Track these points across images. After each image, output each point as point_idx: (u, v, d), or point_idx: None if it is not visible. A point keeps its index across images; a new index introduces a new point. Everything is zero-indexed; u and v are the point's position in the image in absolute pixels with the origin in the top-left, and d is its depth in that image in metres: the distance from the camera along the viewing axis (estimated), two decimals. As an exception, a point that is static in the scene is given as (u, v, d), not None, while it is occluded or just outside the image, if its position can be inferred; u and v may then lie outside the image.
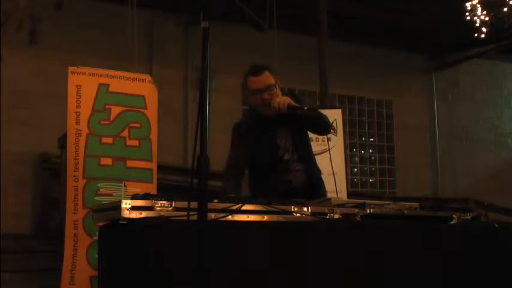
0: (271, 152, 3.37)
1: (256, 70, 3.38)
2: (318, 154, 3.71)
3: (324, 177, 3.53)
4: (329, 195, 3.60)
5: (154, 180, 4.21)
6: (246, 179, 3.61)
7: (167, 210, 2.33)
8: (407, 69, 11.43)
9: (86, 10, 8.48)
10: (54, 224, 7.01)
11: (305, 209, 2.62)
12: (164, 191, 2.62)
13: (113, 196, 3.97)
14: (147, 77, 4.36)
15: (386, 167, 11.28)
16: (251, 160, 3.42)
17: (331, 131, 3.64)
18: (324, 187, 3.49)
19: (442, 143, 11.68)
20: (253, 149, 3.37)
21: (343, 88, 10.26)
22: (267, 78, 3.35)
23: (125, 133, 4.16)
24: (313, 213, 2.62)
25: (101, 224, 2.55)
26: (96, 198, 3.97)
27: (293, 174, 3.37)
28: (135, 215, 2.28)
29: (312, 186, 3.39)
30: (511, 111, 12.69)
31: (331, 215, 2.66)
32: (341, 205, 2.79)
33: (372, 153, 11.31)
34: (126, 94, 4.22)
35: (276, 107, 3.23)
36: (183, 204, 2.29)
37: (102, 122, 4.12)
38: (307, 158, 3.46)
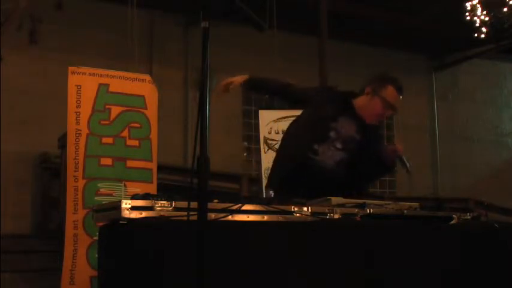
0: (325, 132, 3.34)
1: (401, 90, 3.38)
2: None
3: None
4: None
5: (154, 180, 4.21)
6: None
7: (167, 210, 2.33)
8: (407, 69, 11.40)
9: (86, 10, 8.48)
10: (54, 224, 7.01)
11: (305, 209, 2.62)
12: (164, 191, 2.62)
13: (113, 196, 3.97)
14: (147, 77, 4.36)
15: (387, 167, 11.26)
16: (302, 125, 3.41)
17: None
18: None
19: (442, 143, 11.68)
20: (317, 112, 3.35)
21: (343, 88, 10.24)
22: (399, 102, 3.39)
23: (125, 133, 4.16)
24: (313, 213, 2.62)
25: (101, 224, 2.55)
26: (96, 198, 3.97)
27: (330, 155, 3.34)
28: (135, 215, 2.28)
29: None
30: (511, 111, 12.69)
31: (331, 215, 2.66)
32: (341, 205, 2.79)
33: (372, 153, 11.29)
34: (126, 94, 4.22)
35: (397, 149, 3.34)
36: (183, 204, 2.29)
37: (102, 122, 4.12)
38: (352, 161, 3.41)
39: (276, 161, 3.53)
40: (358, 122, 3.40)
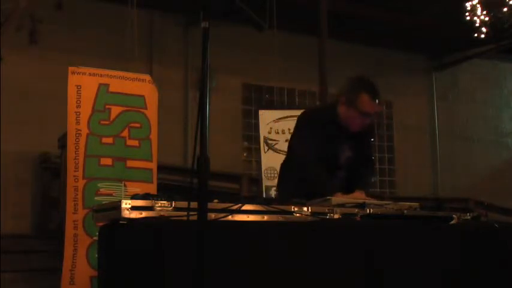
0: (332, 156, 3.38)
1: (376, 94, 3.28)
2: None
3: None
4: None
5: (154, 180, 4.21)
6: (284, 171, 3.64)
7: (167, 210, 2.33)
8: (407, 69, 11.43)
9: (86, 10, 8.48)
10: (54, 224, 7.01)
11: (305, 209, 2.62)
12: (164, 191, 2.62)
13: (113, 196, 3.97)
14: (147, 77, 4.36)
15: (387, 167, 11.28)
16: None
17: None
18: None
19: (442, 143, 11.68)
20: (319, 143, 3.33)
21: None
22: (378, 106, 3.32)
23: (125, 133, 4.16)
24: (313, 213, 2.62)
25: (101, 224, 2.55)
26: (96, 198, 3.97)
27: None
28: (135, 215, 2.28)
29: None
30: (511, 111, 12.69)
31: (331, 215, 2.66)
32: (341, 205, 2.79)
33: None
34: (126, 94, 4.22)
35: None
36: (183, 204, 2.29)
37: (102, 122, 4.12)
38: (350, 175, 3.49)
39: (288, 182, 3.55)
40: (347, 138, 3.41)
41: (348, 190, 3.32)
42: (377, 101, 3.30)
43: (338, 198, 2.93)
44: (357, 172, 3.51)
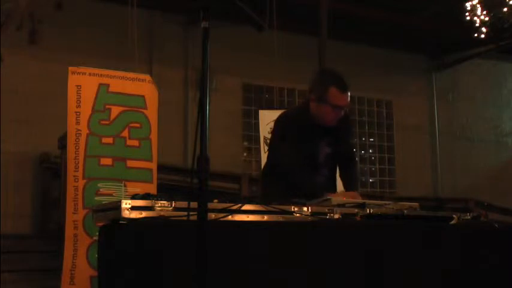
0: (310, 154, 3.38)
1: (344, 86, 3.30)
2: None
3: None
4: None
5: (154, 180, 4.21)
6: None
7: (167, 210, 2.33)
8: (407, 69, 11.42)
9: (86, 10, 8.48)
10: (54, 224, 7.01)
11: (305, 209, 2.62)
12: (164, 191, 2.62)
13: (113, 196, 3.97)
14: (147, 77, 4.36)
15: (387, 167, 11.28)
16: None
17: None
18: None
19: (442, 143, 11.68)
20: (297, 144, 3.33)
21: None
22: (348, 97, 3.33)
23: (125, 133, 4.16)
24: (313, 213, 2.62)
25: (101, 224, 2.55)
26: (96, 198, 3.97)
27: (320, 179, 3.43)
28: (135, 215, 2.28)
29: None
30: (511, 111, 12.68)
31: (331, 215, 2.66)
32: (341, 205, 2.79)
33: (372, 153, 11.30)
34: (126, 94, 4.22)
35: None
36: (183, 204, 2.29)
37: (102, 122, 4.12)
38: (333, 173, 3.52)
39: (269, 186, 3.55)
40: (323, 135, 3.42)
41: (335, 188, 3.35)
42: (348, 93, 3.32)
43: (338, 198, 2.93)
44: (342, 170, 3.53)
